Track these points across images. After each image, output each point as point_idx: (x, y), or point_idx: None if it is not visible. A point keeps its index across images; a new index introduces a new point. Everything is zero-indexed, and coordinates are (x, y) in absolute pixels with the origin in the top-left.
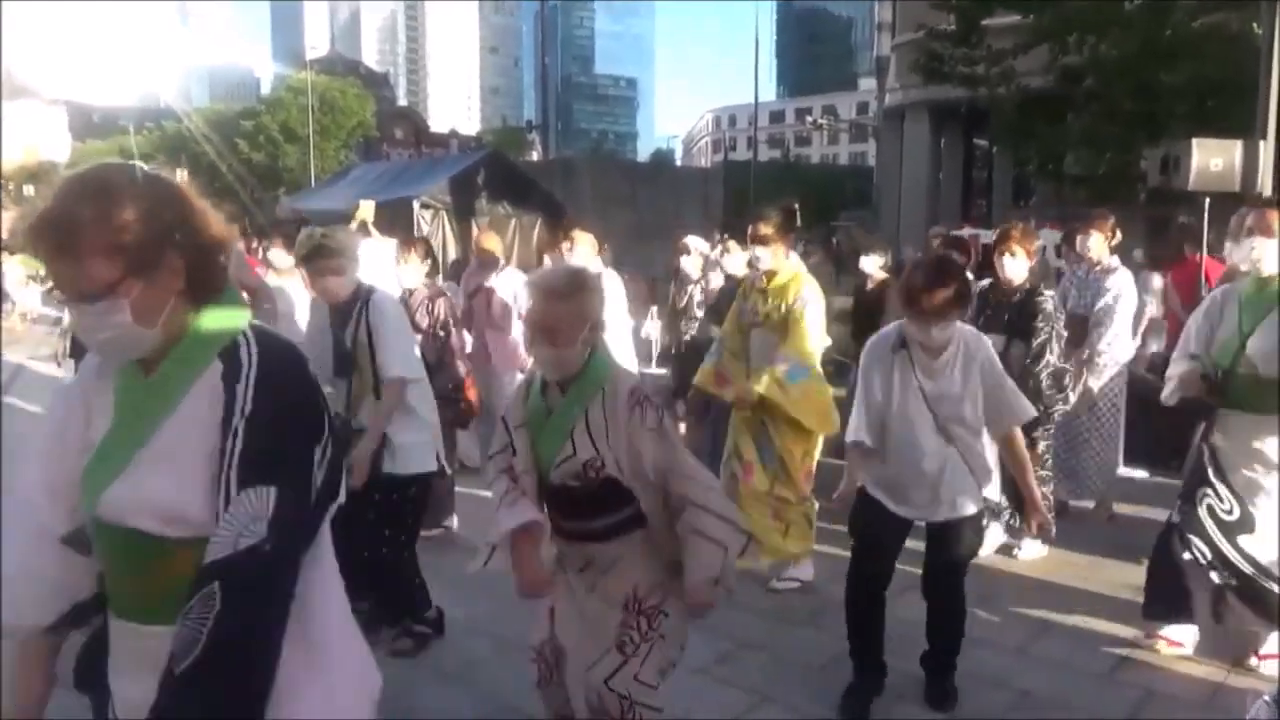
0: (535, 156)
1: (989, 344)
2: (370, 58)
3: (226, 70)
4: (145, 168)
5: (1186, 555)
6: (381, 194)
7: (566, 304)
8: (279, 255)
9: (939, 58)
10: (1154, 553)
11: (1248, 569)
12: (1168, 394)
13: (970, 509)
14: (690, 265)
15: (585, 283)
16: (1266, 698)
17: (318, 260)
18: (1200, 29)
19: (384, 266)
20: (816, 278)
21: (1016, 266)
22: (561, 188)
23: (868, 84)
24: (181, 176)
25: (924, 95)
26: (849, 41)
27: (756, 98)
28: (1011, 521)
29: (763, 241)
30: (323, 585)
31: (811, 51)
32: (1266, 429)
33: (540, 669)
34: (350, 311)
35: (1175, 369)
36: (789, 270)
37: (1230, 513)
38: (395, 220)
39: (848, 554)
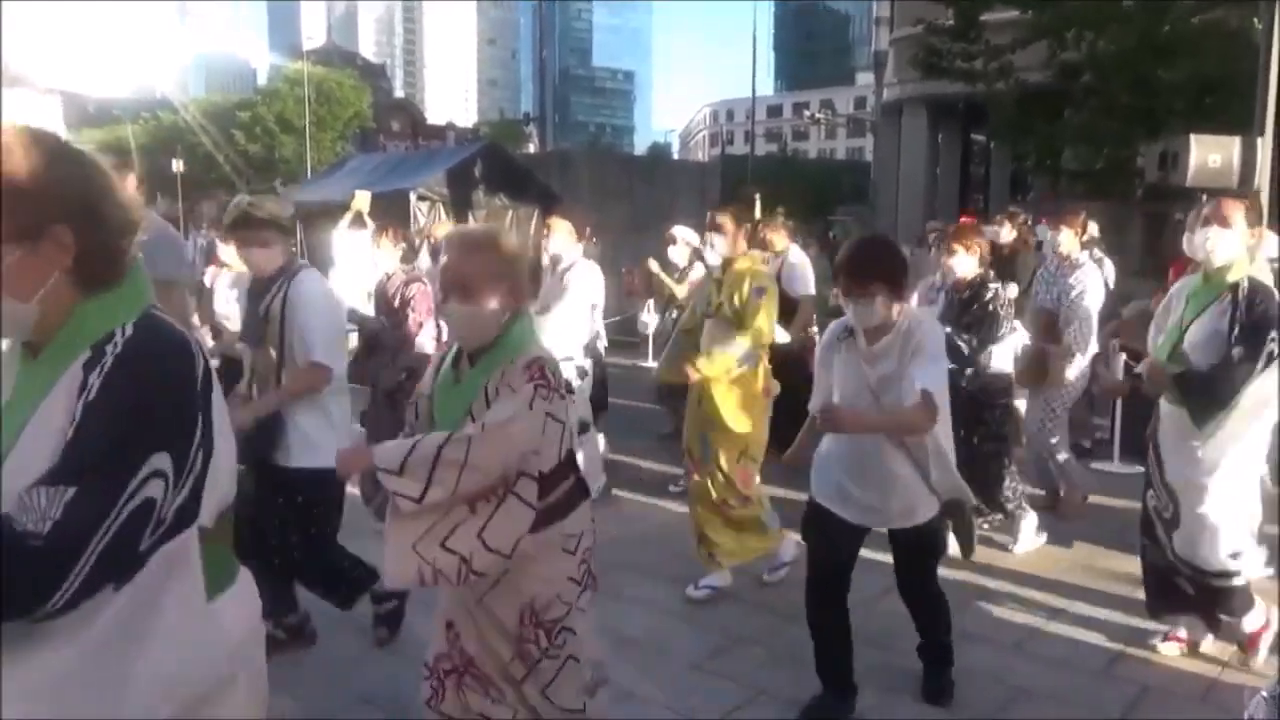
0: (533, 149)
1: (933, 328)
2: (367, 49)
3: (222, 61)
4: (61, 137)
5: (1145, 559)
6: (378, 185)
7: (481, 257)
8: (229, 252)
9: (937, 53)
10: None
11: (1185, 570)
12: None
13: (923, 516)
14: (677, 255)
15: (506, 243)
16: (1264, 693)
17: (242, 230)
18: (1199, 25)
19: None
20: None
21: (961, 263)
22: (559, 180)
23: (865, 79)
24: (178, 167)
25: (922, 90)
26: (847, 36)
27: (754, 92)
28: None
29: (718, 229)
30: (164, 615)
31: (809, 46)
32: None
33: (432, 686)
34: (271, 285)
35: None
36: (745, 261)
37: (1166, 509)
38: (391, 212)
39: None
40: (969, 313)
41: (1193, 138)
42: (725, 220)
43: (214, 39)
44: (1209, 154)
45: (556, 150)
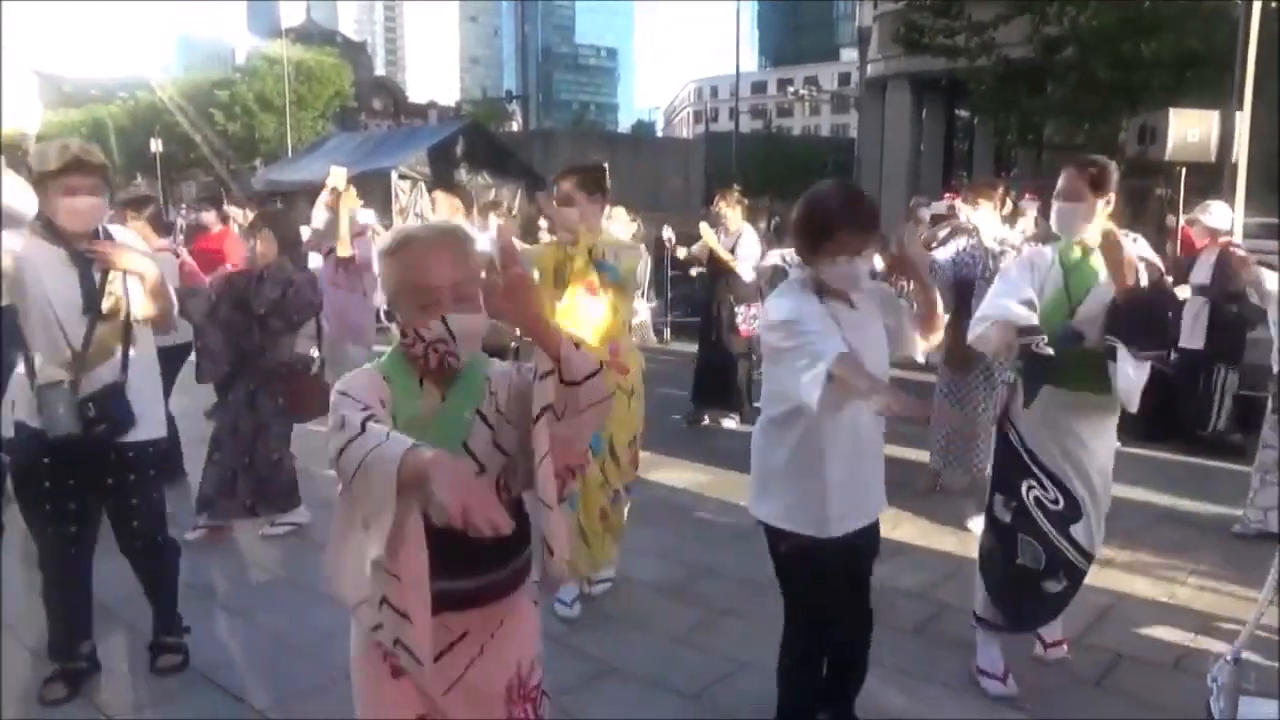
0: (515, 127)
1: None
2: (348, 27)
3: (200, 39)
4: None
5: (1019, 560)
6: (360, 164)
7: (473, 256)
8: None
9: (920, 29)
10: (985, 559)
11: (1084, 565)
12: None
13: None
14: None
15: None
16: (1226, 657)
17: (74, 175)
18: (1178, 1)
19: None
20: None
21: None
22: (542, 159)
23: (850, 55)
24: (156, 147)
25: (905, 66)
26: (831, 12)
27: (738, 68)
28: None
29: (568, 201)
30: None
31: (793, 21)
32: (1084, 405)
33: None
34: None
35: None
36: (590, 235)
37: (1056, 502)
38: (373, 191)
39: None
40: None
41: (1171, 112)
42: (571, 188)
43: (192, 18)
44: (1188, 128)
45: (540, 129)
